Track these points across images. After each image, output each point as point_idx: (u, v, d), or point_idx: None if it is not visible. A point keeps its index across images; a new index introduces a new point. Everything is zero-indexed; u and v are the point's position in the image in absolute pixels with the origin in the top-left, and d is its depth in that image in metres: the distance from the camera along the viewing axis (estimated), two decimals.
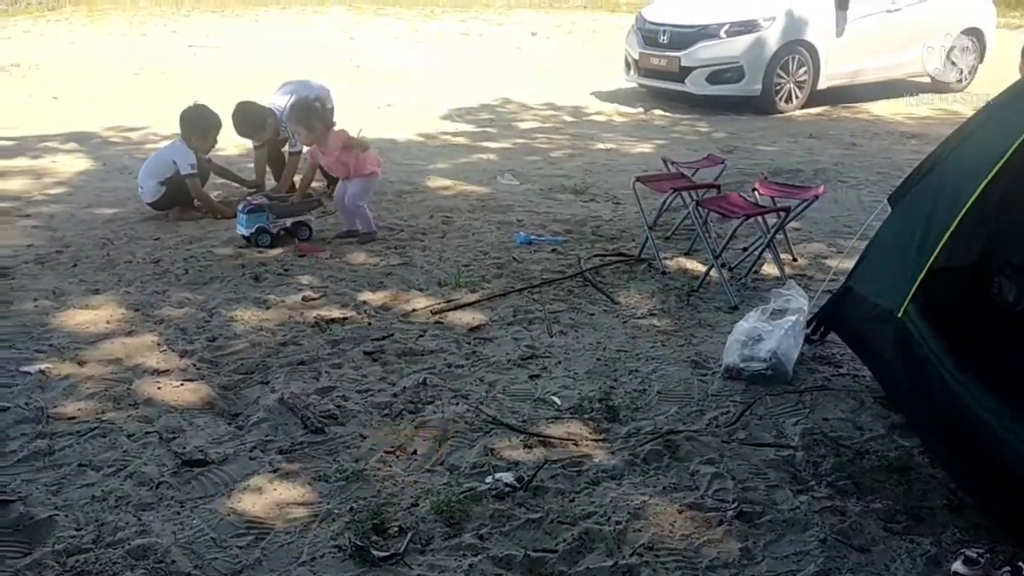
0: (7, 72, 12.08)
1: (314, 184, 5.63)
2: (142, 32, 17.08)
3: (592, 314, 4.04)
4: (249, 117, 5.67)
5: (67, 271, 4.51)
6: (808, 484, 2.70)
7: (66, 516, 2.49)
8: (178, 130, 5.57)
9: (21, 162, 7.03)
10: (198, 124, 5.50)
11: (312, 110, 5.09)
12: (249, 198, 5.19)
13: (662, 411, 3.15)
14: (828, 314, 3.54)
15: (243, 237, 4.94)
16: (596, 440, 2.95)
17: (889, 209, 3.32)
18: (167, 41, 15.83)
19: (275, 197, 5.20)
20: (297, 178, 5.61)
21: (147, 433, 2.94)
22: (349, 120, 5.43)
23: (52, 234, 5.12)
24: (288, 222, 5.00)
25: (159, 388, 3.26)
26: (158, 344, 3.65)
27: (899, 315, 2.84)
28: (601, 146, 7.96)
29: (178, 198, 5.41)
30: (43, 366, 3.40)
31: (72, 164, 7.00)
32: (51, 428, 2.96)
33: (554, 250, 4.91)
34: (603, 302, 4.18)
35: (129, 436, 2.92)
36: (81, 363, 3.45)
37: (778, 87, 9.49)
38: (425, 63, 13.36)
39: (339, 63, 12.96)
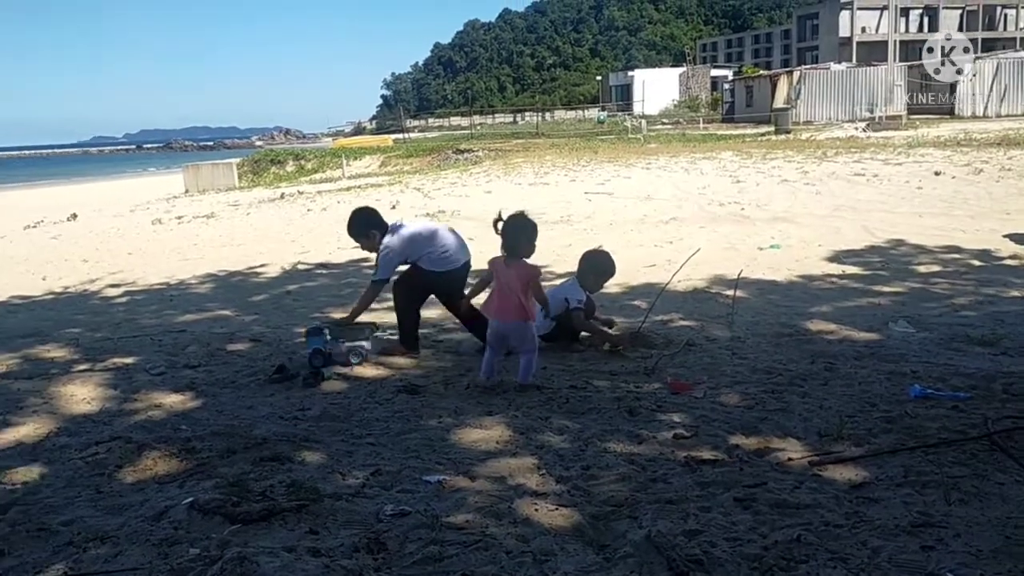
0: (435, 217, 14.16)
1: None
2: (546, 181, 19.05)
3: (1001, 483, 3.51)
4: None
5: (467, 393, 5.02)
6: None
7: None
8: (573, 269, 6.07)
9: None
10: (595, 266, 5.95)
11: None
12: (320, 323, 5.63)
13: None
14: None
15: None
16: None
17: None
18: (568, 188, 17.44)
19: (337, 322, 5.52)
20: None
21: (523, 552, 3.10)
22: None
23: (458, 359, 5.78)
24: (344, 345, 5.21)
25: (536, 509, 3.43)
26: (538, 467, 3.87)
27: None
28: (1016, 293, 7.10)
29: (564, 332, 5.83)
30: (441, 477, 3.77)
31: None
32: (442, 536, 3.24)
33: (955, 407, 4.40)
34: (1015, 471, 3.62)
35: (507, 553, 3.10)
36: (472, 477, 3.78)
37: None
38: (812, 204, 13.11)
39: (724, 205, 13.24)
